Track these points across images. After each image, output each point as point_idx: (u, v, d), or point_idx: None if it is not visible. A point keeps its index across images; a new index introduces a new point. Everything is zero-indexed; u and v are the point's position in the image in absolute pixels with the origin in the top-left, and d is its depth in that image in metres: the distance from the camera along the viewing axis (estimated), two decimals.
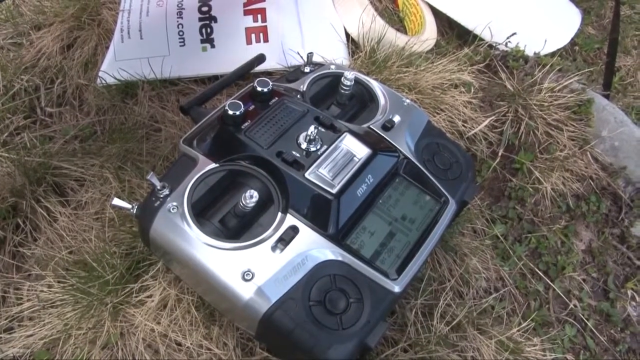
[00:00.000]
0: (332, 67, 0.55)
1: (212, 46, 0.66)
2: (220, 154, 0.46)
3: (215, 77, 0.66)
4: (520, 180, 0.58)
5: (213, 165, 0.45)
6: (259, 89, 0.49)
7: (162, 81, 0.66)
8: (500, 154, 0.59)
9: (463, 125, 0.59)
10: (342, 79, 0.51)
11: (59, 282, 0.49)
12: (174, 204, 0.43)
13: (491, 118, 0.59)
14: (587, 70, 0.75)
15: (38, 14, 0.72)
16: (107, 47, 0.69)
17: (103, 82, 0.66)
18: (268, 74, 0.65)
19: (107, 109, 0.66)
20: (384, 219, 0.46)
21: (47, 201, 0.57)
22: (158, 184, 0.44)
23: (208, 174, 0.45)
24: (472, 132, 0.59)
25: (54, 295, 0.48)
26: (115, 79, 0.65)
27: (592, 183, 0.58)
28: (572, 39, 0.79)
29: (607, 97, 0.80)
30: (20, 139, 0.62)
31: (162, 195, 0.44)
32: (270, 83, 0.50)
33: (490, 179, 0.59)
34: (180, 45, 0.66)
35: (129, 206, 0.45)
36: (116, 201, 0.45)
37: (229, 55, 0.65)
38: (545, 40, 0.70)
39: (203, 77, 0.66)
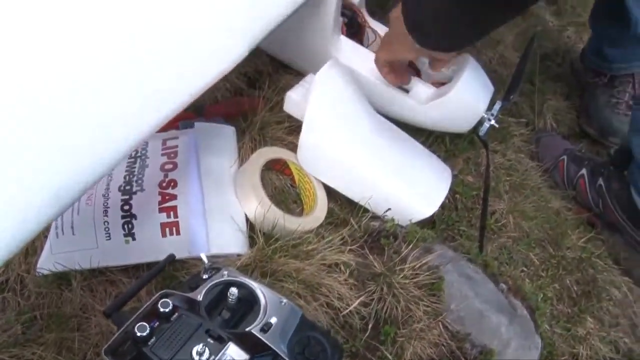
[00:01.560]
0: (225, 273, 0.68)
1: (134, 239, 0.78)
2: None
3: (137, 266, 0.79)
4: (386, 349, 0.72)
5: None
6: (161, 310, 0.62)
7: (92, 271, 0.78)
8: (370, 327, 0.73)
9: (339, 304, 0.73)
10: (228, 292, 0.65)
11: None
12: None
13: (361, 298, 0.73)
14: (453, 242, 0.92)
15: None
16: (45, 237, 0.82)
17: (41, 273, 0.78)
18: (182, 261, 0.78)
19: (45, 294, 0.78)
20: None
21: None
22: None
23: None
24: (347, 310, 0.73)
25: None
26: (51, 271, 0.77)
27: (443, 348, 0.72)
28: (446, 197, 0.95)
29: (481, 249, 0.96)
30: None
31: None
32: (171, 304, 0.62)
33: (363, 350, 0.72)
34: (107, 239, 0.78)
35: None
36: None
37: (148, 246, 0.78)
38: (411, 219, 0.86)
39: (127, 267, 0.79)
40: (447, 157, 1.10)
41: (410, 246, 0.79)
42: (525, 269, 1.01)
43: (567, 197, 1.16)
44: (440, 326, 0.73)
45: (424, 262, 0.76)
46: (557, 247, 1.05)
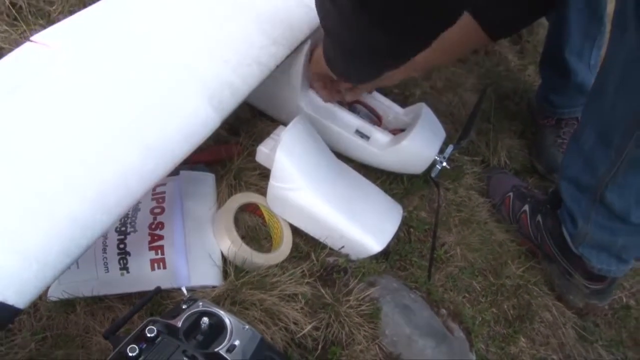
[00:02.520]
0: (200, 304, 0.84)
1: (128, 272, 0.95)
2: None
3: (130, 294, 0.95)
4: None
5: None
6: (148, 334, 0.78)
7: (93, 298, 0.94)
8: (320, 347, 0.89)
9: (295, 328, 0.89)
10: (201, 320, 0.81)
11: None
12: None
13: (313, 324, 0.89)
14: (404, 272, 1.07)
15: None
16: None
17: (51, 300, 0.94)
18: (167, 291, 0.94)
19: (54, 317, 0.94)
20: None
21: None
22: None
23: None
24: (301, 333, 0.89)
25: None
26: (59, 298, 0.94)
27: None
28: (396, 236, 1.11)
29: (429, 277, 1.11)
30: None
31: None
32: (156, 329, 0.78)
33: None
34: (105, 272, 0.95)
35: None
36: None
37: (139, 278, 0.94)
38: (363, 255, 1.02)
39: (122, 295, 0.95)
40: (404, 194, 1.26)
41: (357, 280, 0.94)
42: (467, 295, 1.16)
43: (512, 230, 1.31)
44: (377, 348, 0.89)
45: (366, 294, 0.92)
46: (497, 276, 1.21)
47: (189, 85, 0.82)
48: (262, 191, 1.08)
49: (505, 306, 1.17)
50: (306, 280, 0.95)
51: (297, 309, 0.91)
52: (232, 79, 0.89)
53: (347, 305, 0.91)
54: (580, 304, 1.21)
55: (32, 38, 0.86)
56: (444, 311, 1.07)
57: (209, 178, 1.06)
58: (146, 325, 0.79)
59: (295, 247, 1.06)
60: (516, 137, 1.54)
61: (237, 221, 1.02)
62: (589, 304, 1.21)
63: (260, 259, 0.97)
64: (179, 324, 0.83)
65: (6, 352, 0.89)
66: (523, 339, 1.15)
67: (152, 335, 0.78)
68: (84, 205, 0.65)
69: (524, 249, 1.28)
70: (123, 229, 0.97)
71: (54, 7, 1.37)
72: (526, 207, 1.28)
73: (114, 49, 0.83)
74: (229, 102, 0.87)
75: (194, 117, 0.80)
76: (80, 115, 0.74)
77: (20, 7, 1.32)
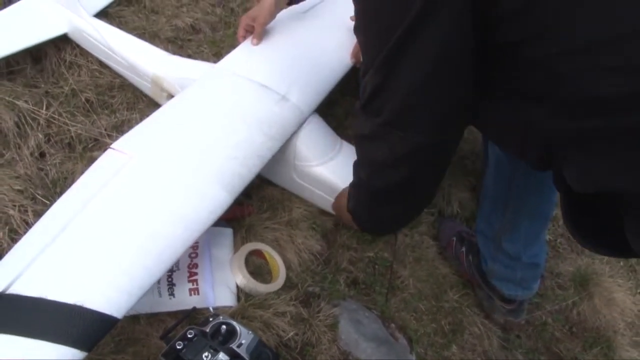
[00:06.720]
0: (221, 317, 1.31)
1: (174, 297, 1.42)
2: None
3: (175, 312, 1.43)
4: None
5: None
6: (188, 336, 1.25)
7: (151, 314, 1.43)
8: (299, 347, 1.36)
9: (282, 334, 1.36)
10: (220, 327, 1.28)
11: None
12: None
13: (294, 331, 1.36)
14: (368, 297, 1.53)
15: None
16: None
17: None
18: (200, 310, 1.42)
19: (126, 326, 1.43)
20: None
21: None
22: None
23: None
24: (286, 337, 1.36)
25: None
26: (130, 314, 1.43)
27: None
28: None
29: (386, 300, 1.57)
30: None
31: None
32: (193, 332, 1.26)
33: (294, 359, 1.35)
34: (159, 297, 1.43)
35: None
36: None
37: (181, 301, 1.41)
38: None
39: (170, 312, 1.43)
40: (372, 240, 1.72)
41: (325, 302, 1.41)
42: (414, 314, 1.60)
43: (454, 265, 1.75)
44: (335, 347, 1.35)
45: (331, 312, 1.38)
46: (438, 300, 1.65)
47: (210, 180, 1.31)
48: (266, 241, 1.56)
49: (443, 322, 1.61)
50: (292, 303, 1.42)
51: (285, 322, 1.38)
52: (240, 170, 1.38)
53: (317, 319, 1.37)
54: (501, 320, 1.65)
55: (112, 146, 1.37)
56: (393, 325, 1.52)
57: (228, 232, 1.55)
58: (187, 330, 1.26)
59: (287, 280, 1.53)
60: (468, 190, 1.96)
61: (247, 262, 1.50)
62: (507, 320, 1.64)
63: (262, 288, 1.44)
64: (207, 330, 1.30)
65: (96, 347, 1.38)
66: (455, 346, 1.58)
67: (191, 336, 1.25)
68: (149, 261, 1.15)
69: (462, 280, 1.72)
70: (170, 267, 1.46)
71: (115, 99, 1.88)
72: (464, 249, 1.72)
73: (164, 158, 1.33)
74: (239, 187, 1.36)
75: (214, 201, 1.29)
76: (144, 205, 1.23)
77: (92, 102, 1.83)
